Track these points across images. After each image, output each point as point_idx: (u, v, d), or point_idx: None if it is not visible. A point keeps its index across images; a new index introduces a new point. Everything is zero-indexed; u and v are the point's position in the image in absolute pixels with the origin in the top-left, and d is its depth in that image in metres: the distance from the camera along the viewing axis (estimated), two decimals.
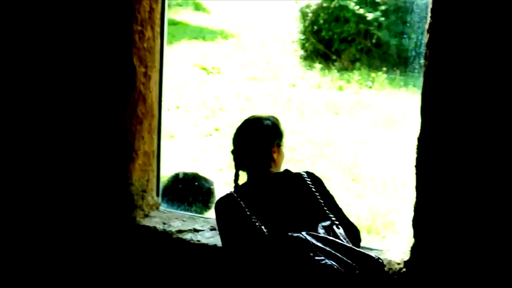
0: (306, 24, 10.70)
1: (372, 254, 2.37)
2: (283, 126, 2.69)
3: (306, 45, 10.71)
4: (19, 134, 3.31)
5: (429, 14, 2.51)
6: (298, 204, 2.51)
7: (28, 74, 3.23)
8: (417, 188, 2.62)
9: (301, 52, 10.75)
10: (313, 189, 2.54)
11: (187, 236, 3.07)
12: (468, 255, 2.56)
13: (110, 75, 3.06)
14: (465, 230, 2.54)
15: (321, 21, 10.53)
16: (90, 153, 3.15)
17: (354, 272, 2.26)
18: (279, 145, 2.64)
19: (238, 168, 2.64)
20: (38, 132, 3.25)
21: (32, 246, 3.37)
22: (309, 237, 2.31)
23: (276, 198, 2.52)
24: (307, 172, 2.62)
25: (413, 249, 2.68)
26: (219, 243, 2.72)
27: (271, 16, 12.52)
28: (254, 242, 2.40)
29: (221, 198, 2.59)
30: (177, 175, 5.30)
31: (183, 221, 3.21)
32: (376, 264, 2.32)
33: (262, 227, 2.41)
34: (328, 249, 2.29)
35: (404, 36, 9.60)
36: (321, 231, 2.37)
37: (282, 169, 2.65)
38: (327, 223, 2.43)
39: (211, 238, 3.03)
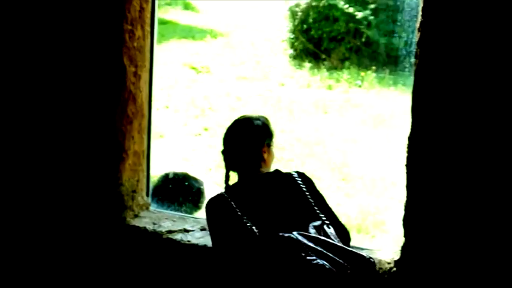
0: (296, 23, 10.70)
1: (364, 253, 2.37)
2: (273, 126, 2.69)
3: (296, 44, 10.72)
4: (8, 133, 3.29)
5: (420, 13, 2.51)
6: (289, 204, 2.50)
7: (17, 73, 3.22)
8: (408, 187, 2.62)
9: (291, 51, 10.76)
10: (304, 189, 2.54)
11: (178, 236, 3.06)
12: (459, 254, 2.56)
13: (100, 75, 3.05)
14: (456, 229, 2.55)
15: (311, 20, 10.54)
16: (80, 153, 3.14)
17: (345, 272, 2.26)
18: (269, 145, 2.64)
19: (228, 168, 2.63)
20: (27, 131, 3.23)
21: (21, 247, 3.36)
22: (300, 237, 2.31)
23: (266, 199, 2.51)
24: (297, 172, 2.61)
25: (404, 249, 2.68)
26: (209, 243, 2.71)
27: (261, 15, 12.52)
28: (245, 243, 2.39)
29: (212, 199, 2.58)
30: (167, 175, 5.30)
31: (173, 221, 3.20)
32: (367, 263, 2.33)
33: (253, 227, 2.40)
34: (319, 249, 2.29)
35: (395, 35, 9.62)
36: (312, 231, 2.37)
37: (272, 169, 2.64)
38: (318, 223, 2.43)
39: (202, 238, 3.03)
